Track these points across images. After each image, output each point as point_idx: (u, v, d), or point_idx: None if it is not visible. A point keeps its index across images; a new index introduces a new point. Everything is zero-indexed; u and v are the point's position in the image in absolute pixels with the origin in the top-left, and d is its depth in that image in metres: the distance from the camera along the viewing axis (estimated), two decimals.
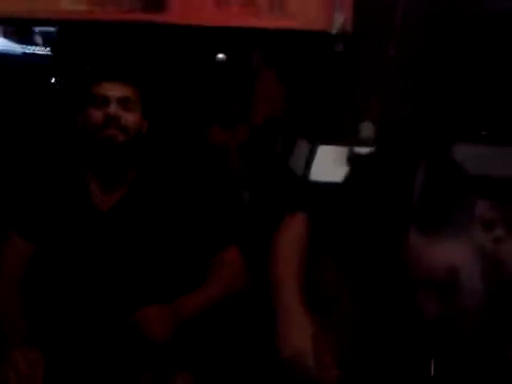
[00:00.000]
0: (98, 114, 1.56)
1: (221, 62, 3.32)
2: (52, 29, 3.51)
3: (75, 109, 1.62)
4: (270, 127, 2.51)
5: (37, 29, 4.04)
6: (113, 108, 1.55)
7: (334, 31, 2.44)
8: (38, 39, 4.52)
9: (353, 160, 0.90)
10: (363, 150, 2.10)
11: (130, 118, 1.57)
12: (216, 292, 1.58)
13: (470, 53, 2.52)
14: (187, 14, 2.43)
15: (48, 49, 4.46)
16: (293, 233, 1.41)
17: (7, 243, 1.62)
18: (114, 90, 1.57)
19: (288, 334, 1.22)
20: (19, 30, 4.00)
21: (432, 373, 0.96)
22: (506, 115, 2.52)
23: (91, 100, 1.58)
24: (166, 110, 2.09)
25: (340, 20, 2.44)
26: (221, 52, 3.26)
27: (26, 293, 1.57)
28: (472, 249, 0.84)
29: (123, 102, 1.57)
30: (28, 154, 2.42)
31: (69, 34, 2.99)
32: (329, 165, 2.05)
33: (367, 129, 2.49)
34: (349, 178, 0.90)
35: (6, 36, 4.07)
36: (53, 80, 3.33)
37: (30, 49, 4.74)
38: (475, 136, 2.51)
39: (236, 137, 2.05)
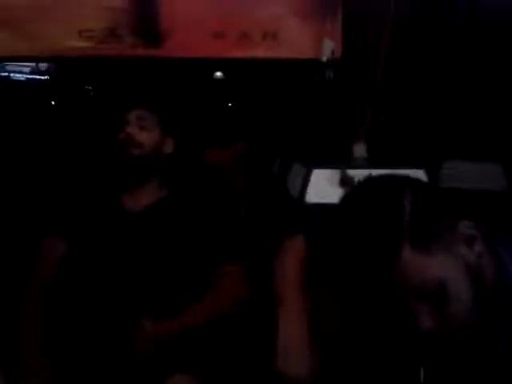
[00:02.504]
0: (121, 135, 1.80)
1: (217, 80, 3.42)
2: None
3: (111, 133, 1.86)
4: (267, 147, 2.60)
5: None
6: (130, 128, 1.80)
7: (324, 59, 2.56)
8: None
9: (343, 191, 0.97)
10: (356, 172, 2.21)
11: (144, 135, 1.81)
12: (215, 306, 1.69)
13: (455, 76, 2.64)
14: (185, 47, 2.56)
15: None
16: (294, 254, 1.51)
17: (42, 249, 1.80)
18: (133, 114, 1.82)
19: (287, 356, 1.30)
20: None
21: (422, 379, 1.05)
22: (491, 134, 2.63)
23: (121, 125, 1.82)
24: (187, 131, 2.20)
25: (330, 48, 2.57)
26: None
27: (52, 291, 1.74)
28: (459, 263, 0.93)
29: (139, 121, 1.80)
30: (67, 164, 2.58)
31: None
32: (323, 187, 2.15)
33: (360, 149, 2.60)
34: (340, 205, 0.99)
35: None
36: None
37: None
38: (463, 153, 2.63)
39: (234, 154, 2.10)
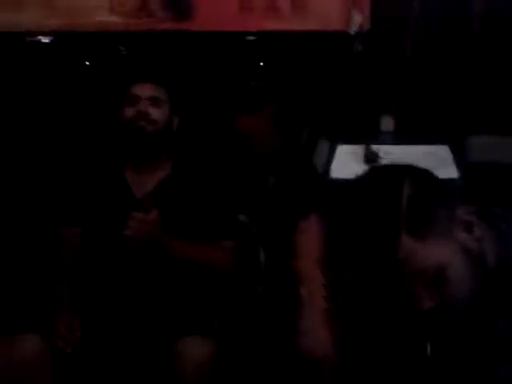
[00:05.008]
0: (131, 110, 1.79)
1: (249, 40, 3.41)
2: None
3: (116, 108, 1.83)
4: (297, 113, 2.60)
5: None
6: (143, 105, 1.77)
7: (352, 31, 2.55)
8: None
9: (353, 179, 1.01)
10: (382, 148, 2.23)
11: (158, 114, 1.80)
12: (202, 256, 1.78)
13: (484, 50, 2.60)
14: (213, 20, 2.58)
15: None
16: (312, 231, 1.55)
17: (60, 237, 1.86)
18: (144, 90, 1.80)
19: (312, 332, 1.35)
20: None
21: (428, 353, 1.10)
22: None
23: (127, 99, 1.80)
24: (193, 105, 2.16)
25: (358, 20, 2.55)
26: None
27: (74, 273, 1.83)
28: (457, 247, 0.96)
29: (152, 100, 1.79)
30: (73, 150, 2.62)
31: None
32: (348, 163, 2.17)
33: (388, 123, 2.60)
34: (344, 194, 1.03)
35: None
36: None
37: None
38: (490, 127, 2.61)
39: (265, 119, 2.08)
